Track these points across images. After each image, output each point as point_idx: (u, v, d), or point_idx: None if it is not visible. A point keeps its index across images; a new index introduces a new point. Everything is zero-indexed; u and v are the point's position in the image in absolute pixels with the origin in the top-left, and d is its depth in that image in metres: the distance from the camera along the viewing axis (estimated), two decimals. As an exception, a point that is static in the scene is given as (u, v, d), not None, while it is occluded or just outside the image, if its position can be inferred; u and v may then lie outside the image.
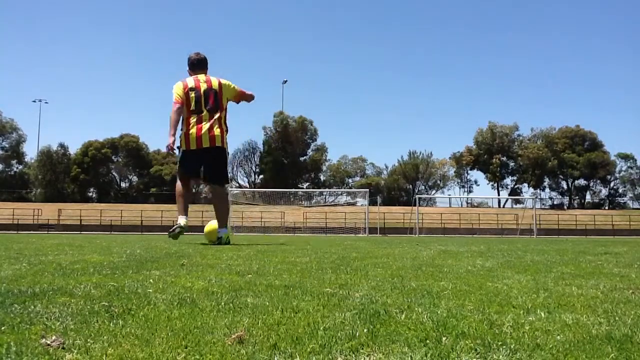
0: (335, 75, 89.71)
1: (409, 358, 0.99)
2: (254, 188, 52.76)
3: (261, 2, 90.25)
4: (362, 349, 1.05)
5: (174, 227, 5.61)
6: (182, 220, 5.65)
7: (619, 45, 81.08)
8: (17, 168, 62.35)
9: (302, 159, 60.56)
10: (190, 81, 5.76)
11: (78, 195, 56.26)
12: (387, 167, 65.19)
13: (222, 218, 5.87)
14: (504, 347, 1.07)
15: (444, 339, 1.13)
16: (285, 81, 62.53)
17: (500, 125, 60.89)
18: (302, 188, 57.23)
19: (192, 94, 5.63)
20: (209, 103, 5.66)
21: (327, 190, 56.41)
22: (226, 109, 5.89)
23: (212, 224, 5.97)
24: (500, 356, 1.01)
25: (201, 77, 5.84)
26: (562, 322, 1.33)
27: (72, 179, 56.84)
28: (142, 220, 35.46)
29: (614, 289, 1.99)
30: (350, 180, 64.62)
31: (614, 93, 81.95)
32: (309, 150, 61.39)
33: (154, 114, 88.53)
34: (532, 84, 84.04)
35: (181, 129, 5.69)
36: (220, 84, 5.81)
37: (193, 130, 5.59)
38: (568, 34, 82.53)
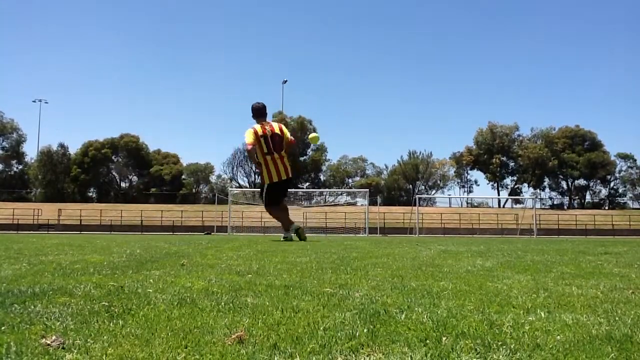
0: (335, 75, 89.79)
1: (409, 358, 0.99)
2: (254, 188, 52.77)
3: (261, 3, 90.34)
4: (362, 349, 1.05)
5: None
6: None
7: (619, 46, 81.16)
8: (17, 168, 62.36)
9: (301, 159, 60.57)
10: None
11: (78, 195, 56.27)
12: (387, 167, 65.24)
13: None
14: (504, 347, 1.07)
15: (444, 339, 1.13)
16: (285, 81, 62.56)
17: (500, 125, 60.90)
18: (302, 188, 57.22)
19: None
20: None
21: (327, 190, 56.36)
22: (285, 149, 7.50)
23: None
24: (500, 356, 1.01)
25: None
26: (562, 322, 1.33)
27: (72, 179, 56.84)
28: (142, 220, 35.46)
29: (614, 289, 2.00)
30: (350, 180, 64.62)
31: (613, 93, 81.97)
32: (309, 150, 61.41)
33: (154, 114, 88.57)
34: (532, 84, 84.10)
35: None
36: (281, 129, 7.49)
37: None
38: (568, 34, 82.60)
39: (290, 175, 7.53)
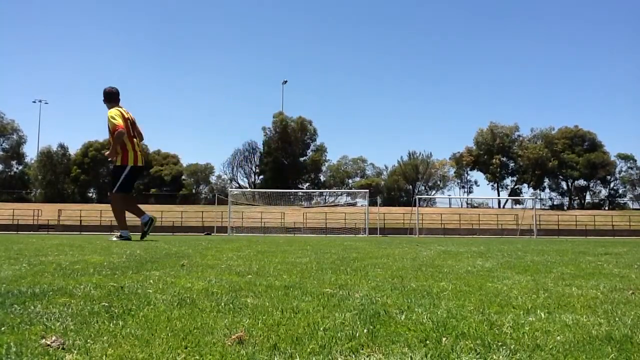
0: (335, 75, 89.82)
1: (409, 358, 0.99)
2: (254, 189, 52.75)
3: (262, 3, 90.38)
4: (362, 349, 1.05)
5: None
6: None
7: (619, 46, 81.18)
8: (17, 169, 62.37)
9: (302, 159, 60.57)
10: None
11: (78, 195, 56.26)
12: (387, 167, 65.26)
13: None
14: (504, 347, 1.07)
15: (444, 339, 1.13)
16: (285, 82, 62.65)
17: (500, 126, 60.91)
18: (302, 188, 57.23)
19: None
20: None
21: (327, 190, 56.34)
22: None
23: None
24: (500, 356, 1.01)
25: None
26: (562, 322, 1.33)
27: (72, 179, 56.83)
28: (142, 221, 35.41)
29: (614, 290, 2.00)
30: (350, 181, 64.61)
31: (613, 93, 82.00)
32: (309, 151, 61.41)
33: (154, 114, 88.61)
34: (532, 85, 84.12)
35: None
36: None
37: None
38: (568, 35, 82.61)
39: (144, 164, 7.54)
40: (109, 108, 7.11)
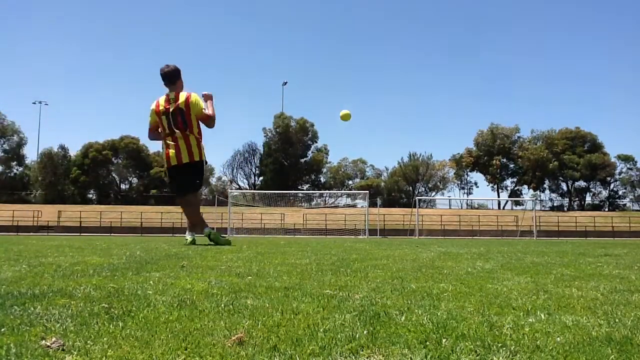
0: (335, 76, 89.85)
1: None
2: (254, 190, 52.73)
3: (262, 3, 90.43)
4: (362, 350, 1.05)
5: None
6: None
7: (619, 46, 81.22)
8: (17, 170, 62.36)
9: (302, 160, 60.56)
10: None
11: (78, 196, 56.21)
12: (387, 168, 65.21)
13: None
14: (504, 348, 1.07)
15: (444, 340, 1.13)
16: (285, 83, 62.63)
17: (501, 127, 60.89)
18: (302, 190, 57.20)
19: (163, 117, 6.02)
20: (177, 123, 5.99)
21: (327, 192, 56.35)
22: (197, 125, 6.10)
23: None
24: (500, 358, 1.01)
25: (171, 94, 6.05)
26: (562, 323, 1.33)
27: (72, 180, 56.80)
28: (142, 222, 35.44)
29: (614, 291, 2.00)
30: (350, 182, 64.58)
31: (614, 94, 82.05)
32: (309, 152, 61.41)
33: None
34: (532, 86, 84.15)
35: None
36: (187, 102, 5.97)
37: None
38: (568, 35, 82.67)
39: (191, 159, 6.00)
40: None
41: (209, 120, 6.03)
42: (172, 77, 5.98)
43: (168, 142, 6.00)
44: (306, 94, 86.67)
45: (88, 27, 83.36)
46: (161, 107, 5.94)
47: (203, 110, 5.97)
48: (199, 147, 6.04)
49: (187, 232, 6.33)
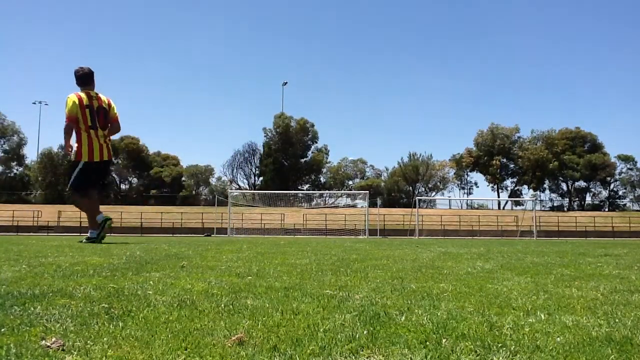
0: (335, 77, 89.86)
1: (409, 360, 0.99)
2: (254, 190, 52.73)
3: (262, 4, 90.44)
4: (362, 350, 1.05)
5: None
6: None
7: (619, 47, 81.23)
8: (17, 170, 62.38)
9: (302, 160, 60.57)
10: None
11: (78, 197, 56.17)
12: (387, 169, 65.22)
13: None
14: (504, 348, 1.07)
15: (444, 340, 1.13)
16: (285, 83, 62.66)
17: (501, 127, 60.90)
18: (302, 190, 57.20)
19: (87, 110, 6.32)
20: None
21: (327, 192, 56.34)
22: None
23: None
24: (500, 358, 1.01)
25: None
26: (562, 324, 1.33)
27: (72, 180, 56.77)
28: (141, 222, 35.43)
29: (614, 291, 2.00)
30: (350, 182, 64.59)
31: (614, 94, 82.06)
32: (309, 152, 61.41)
33: (155, 116, 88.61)
34: (532, 86, 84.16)
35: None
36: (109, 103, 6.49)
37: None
38: (568, 36, 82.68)
39: (111, 157, 6.66)
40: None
41: (118, 126, 6.69)
42: (89, 79, 6.44)
43: (92, 136, 6.32)
44: (306, 94, 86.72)
45: (88, 27, 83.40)
46: (85, 102, 6.26)
47: (116, 115, 6.58)
48: (111, 147, 6.64)
49: (89, 231, 6.65)
